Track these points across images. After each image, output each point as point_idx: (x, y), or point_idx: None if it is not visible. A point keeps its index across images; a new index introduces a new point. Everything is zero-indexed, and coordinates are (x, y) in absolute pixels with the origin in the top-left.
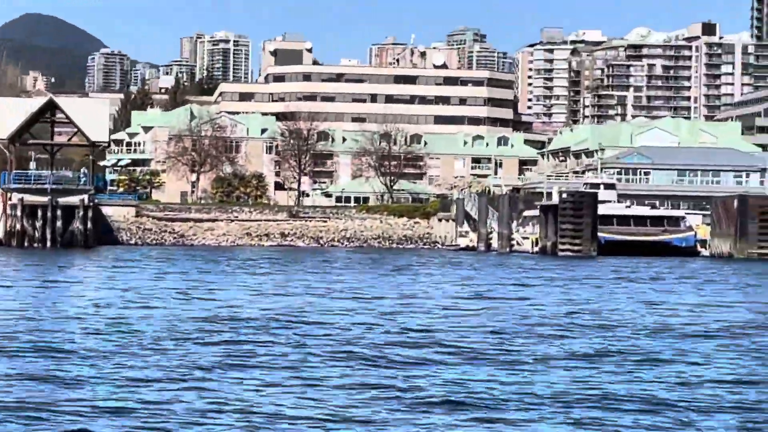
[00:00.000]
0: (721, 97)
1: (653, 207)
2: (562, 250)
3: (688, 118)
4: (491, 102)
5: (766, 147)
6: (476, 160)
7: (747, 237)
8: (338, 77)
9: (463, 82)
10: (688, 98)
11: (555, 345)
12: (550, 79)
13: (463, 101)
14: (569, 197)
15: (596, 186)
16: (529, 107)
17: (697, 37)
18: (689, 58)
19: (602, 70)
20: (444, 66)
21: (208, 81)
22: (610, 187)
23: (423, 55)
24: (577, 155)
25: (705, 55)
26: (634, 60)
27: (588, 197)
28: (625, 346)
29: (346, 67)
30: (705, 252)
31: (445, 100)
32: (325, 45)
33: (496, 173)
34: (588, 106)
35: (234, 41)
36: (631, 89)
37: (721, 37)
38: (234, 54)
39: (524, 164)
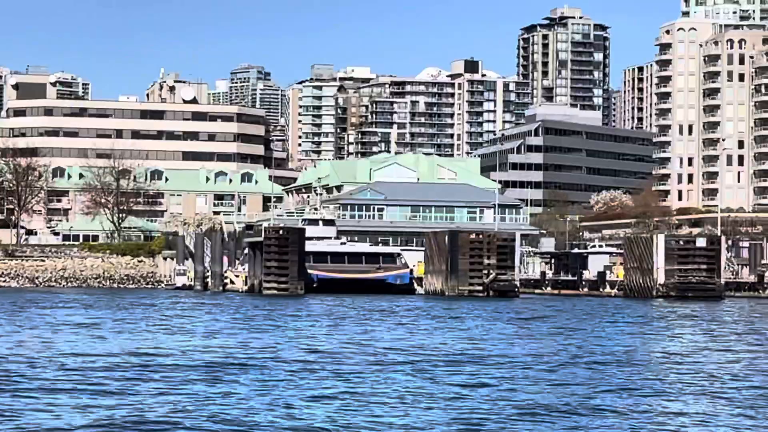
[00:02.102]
0: (483, 134)
1: (377, 244)
2: (267, 289)
3: (451, 154)
4: (241, 138)
5: (517, 183)
6: (219, 197)
7: (458, 273)
8: (82, 112)
9: (212, 118)
10: (452, 135)
11: None
12: (319, 116)
13: (212, 137)
14: (274, 233)
15: (315, 222)
16: (300, 144)
17: (460, 75)
18: (452, 95)
19: (367, 107)
20: (194, 101)
21: None
22: (329, 223)
23: (172, 89)
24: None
25: (467, 93)
26: (397, 97)
27: (294, 233)
28: None
29: (89, 102)
30: (420, 290)
31: (193, 136)
32: (105, 82)
33: (239, 210)
34: (353, 143)
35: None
36: (395, 126)
37: (483, 75)
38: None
39: (270, 201)
